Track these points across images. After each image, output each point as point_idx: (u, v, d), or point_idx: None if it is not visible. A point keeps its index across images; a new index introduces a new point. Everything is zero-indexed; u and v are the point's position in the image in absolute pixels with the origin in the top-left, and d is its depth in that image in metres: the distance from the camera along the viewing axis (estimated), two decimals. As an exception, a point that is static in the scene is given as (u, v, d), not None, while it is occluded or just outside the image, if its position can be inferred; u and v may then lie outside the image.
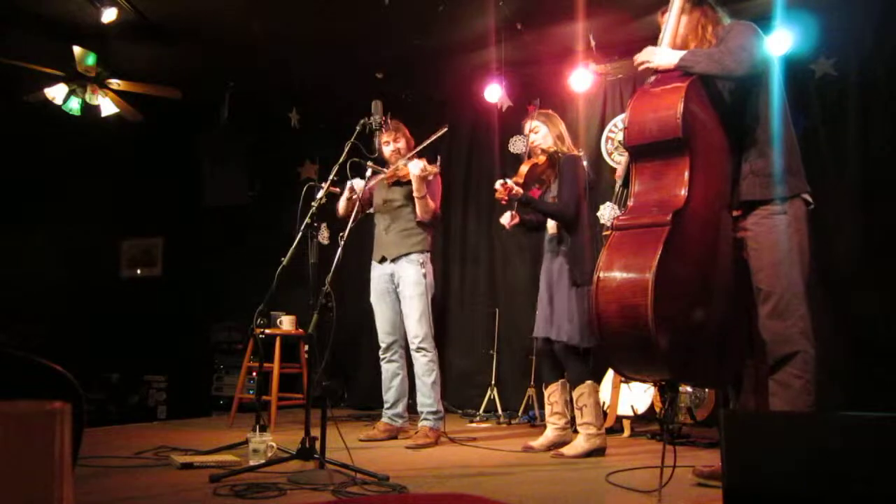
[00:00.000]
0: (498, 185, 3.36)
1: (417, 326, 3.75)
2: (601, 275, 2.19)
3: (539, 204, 3.44)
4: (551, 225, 3.48)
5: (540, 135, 3.56)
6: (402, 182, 3.85)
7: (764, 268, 2.40)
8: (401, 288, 3.85)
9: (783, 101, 2.49)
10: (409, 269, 3.81)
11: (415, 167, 3.67)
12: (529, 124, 3.60)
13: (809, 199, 2.48)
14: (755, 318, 2.41)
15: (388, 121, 3.57)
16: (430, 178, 3.75)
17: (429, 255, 3.91)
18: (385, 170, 3.90)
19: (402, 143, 3.95)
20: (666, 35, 2.58)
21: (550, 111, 3.71)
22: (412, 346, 3.80)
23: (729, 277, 2.42)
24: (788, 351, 2.32)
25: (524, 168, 3.43)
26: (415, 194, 3.74)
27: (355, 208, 3.55)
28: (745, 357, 2.48)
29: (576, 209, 3.38)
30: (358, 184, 3.80)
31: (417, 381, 3.79)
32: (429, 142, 3.72)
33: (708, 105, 2.45)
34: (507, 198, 3.33)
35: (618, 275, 2.17)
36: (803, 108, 4.52)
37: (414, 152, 3.83)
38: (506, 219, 3.47)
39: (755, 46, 2.39)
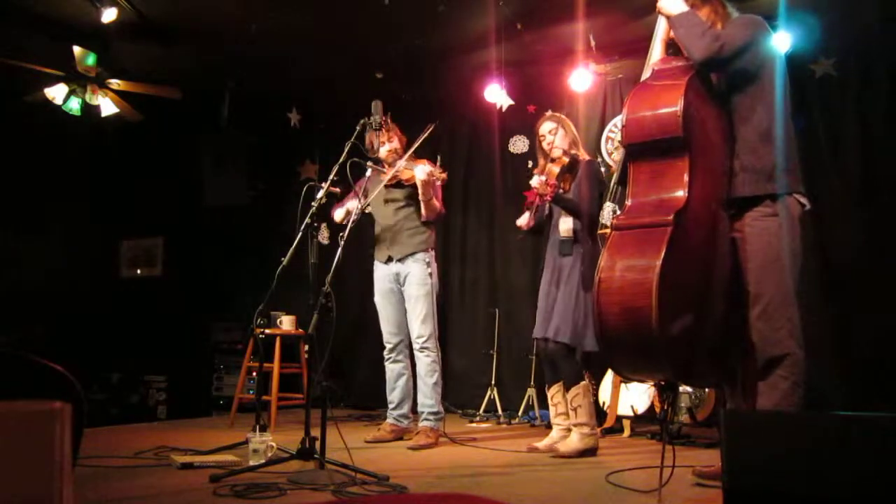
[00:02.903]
0: (538, 182, 3.37)
1: (422, 327, 3.75)
2: (602, 276, 2.16)
3: (569, 202, 3.45)
4: (566, 228, 3.49)
5: (559, 136, 3.58)
6: (403, 183, 3.83)
7: (753, 270, 2.40)
8: (405, 287, 3.84)
9: (782, 99, 2.48)
10: (415, 269, 3.80)
11: (421, 172, 3.64)
12: (547, 125, 3.64)
13: (804, 200, 2.46)
14: (746, 319, 2.42)
15: (388, 121, 3.56)
16: (439, 182, 3.72)
17: (433, 252, 3.92)
18: (384, 169, 3.89)
19: (395, 143, 3.94)
20: (654, 52, 2.61)
21: (562, 115, 3.75)
22: (416, 346, 3.79)
23: (727, 278, 2.42)
24: (777, 353, 2.34)
25: (555, 169, 3.46)
26: (421, 198, 3.72)
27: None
28: (741, 358, 2.49)
29: (596, 211, 3.46)
30: (352, 205, 3.79)
31: (419, 382, 3.78)
32: (420, 140, 3.67)
33: (706, 101, 2.43)
34: (550, 193, 3.33)
35: (620, 276, 2.14)
36: (803, 108, 4.52)
37: (409, 152, 3.77)
38: (523, 220, 3.55)
39: (734, 42, 2.39)
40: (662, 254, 2.07)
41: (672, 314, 2.08)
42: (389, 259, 3.90)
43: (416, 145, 3.72)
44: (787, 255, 2.38)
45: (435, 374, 3.75)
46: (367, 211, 3.92)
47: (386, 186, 3.83)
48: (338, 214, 3.96)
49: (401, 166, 3.74)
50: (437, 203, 3.81)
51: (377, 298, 3.96)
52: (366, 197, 3.80)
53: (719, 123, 2.47)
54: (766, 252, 2.39)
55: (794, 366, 2.33)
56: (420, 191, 3.70)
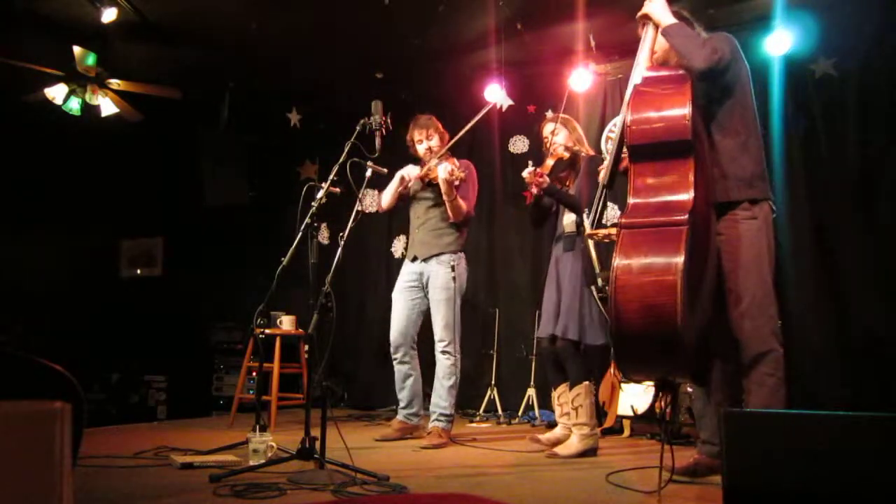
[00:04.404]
0: (526, 172, 3.39)
1: (444, 331, 3.76)
2: (619, 274, 2.13)
3: (562, 195, 3.45)
4: (568, 223, 3.49)
5: (561, 135, 3.60)
6: (432, 181, 3.83)
7: (736, 269, 2.48)
8: (429, 289, 3.85)
9: (755, 112, 2.60)
10: (439, 272, 3.80)
11: (442, 171, 3.65)
12: (548, 127, 3.66)
13: (773, 206, 2.58)
14: (726, 318, 2.48)
15: (389, 121, 3.55)
16: (457, 182, 3.71)
17: (462, 254, 3.92)
18: (383, 169, 3.88)
19: (434, 140, 3.94)
20: (642, 56, 2.63)
21: (568, 116, 3.76)
22: (437, 349, 3.80)
23: (714, 277, 2.47)
24: (762, 350, 2.41)
25: (550, 161, 3.47)
26: (444, 197, 3.73)
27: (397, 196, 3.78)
28: (714, 355, 2.52)
29: None
30: (412, 171, 3.85)
31: (436, 383, 3.79)
32: (453, 142, 3.74)
33: (697, 110, 2.47)
34: (536, 183, 3.34)
35: (639, 273, 2.11)
36: (803, 108, 4.52)
37: (443, 151, 3.82)
38: (527, 172, 3.41)
39: (727, 55, 2.47)
40: (684, 252, 2.08)
41: (688, 311, 2.09)
42: (415, 258, 3.92)
43: (448, 146, 3.81)
44: (765, 254, 2.48)
45: (452, 377, 3.75)
46: (382, 210, 4.05)
47: (425, 184, 3.87)
48: (385, 200, 3.98)
49: (433, 164, 3.77)
50: (461, 203, 3.79)
51: (394, 294, 3.97)
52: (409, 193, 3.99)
53: (704, 132, 2.53)
54: (749, 252, 2.47)
55: (777, 362, 2.41)
56: (442, 189, 3.70)
